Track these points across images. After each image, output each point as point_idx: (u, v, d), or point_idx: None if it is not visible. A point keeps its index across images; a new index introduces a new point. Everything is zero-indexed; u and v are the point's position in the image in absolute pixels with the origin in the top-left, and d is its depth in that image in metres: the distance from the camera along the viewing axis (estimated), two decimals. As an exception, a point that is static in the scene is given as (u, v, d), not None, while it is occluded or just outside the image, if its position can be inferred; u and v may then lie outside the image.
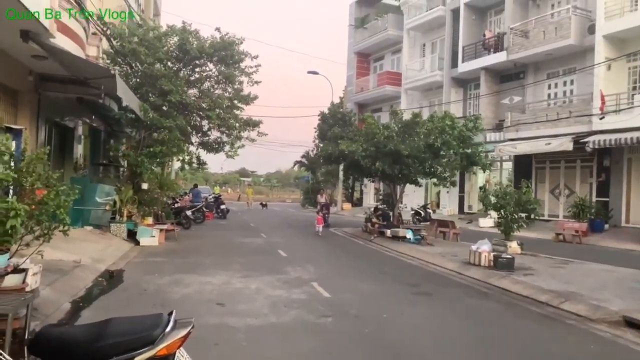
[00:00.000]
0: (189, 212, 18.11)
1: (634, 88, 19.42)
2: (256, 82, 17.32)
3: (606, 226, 18.86)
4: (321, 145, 19.73)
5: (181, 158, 17.39)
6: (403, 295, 8.36)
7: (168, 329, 2.85)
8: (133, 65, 15.65)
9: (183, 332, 2.91)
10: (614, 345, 5.85)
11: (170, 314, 2.95)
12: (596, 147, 18.68)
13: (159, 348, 2.79)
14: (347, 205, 35.27)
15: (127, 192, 13.95)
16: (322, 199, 21.63)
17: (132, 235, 13.57)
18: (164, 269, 9.77)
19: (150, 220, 14.47)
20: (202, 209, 20.37)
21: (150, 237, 13.40)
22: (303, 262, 11.36)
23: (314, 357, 5.16)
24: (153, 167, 15.34)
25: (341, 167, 22.63)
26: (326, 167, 32.65)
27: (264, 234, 17.79)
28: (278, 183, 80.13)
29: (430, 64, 29.42)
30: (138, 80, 15.69)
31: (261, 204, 37.56)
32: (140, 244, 13.11)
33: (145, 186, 14.66)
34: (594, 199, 20.21)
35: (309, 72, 33.39)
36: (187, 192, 23.90)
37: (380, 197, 23.51)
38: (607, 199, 19.77)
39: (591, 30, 20.10)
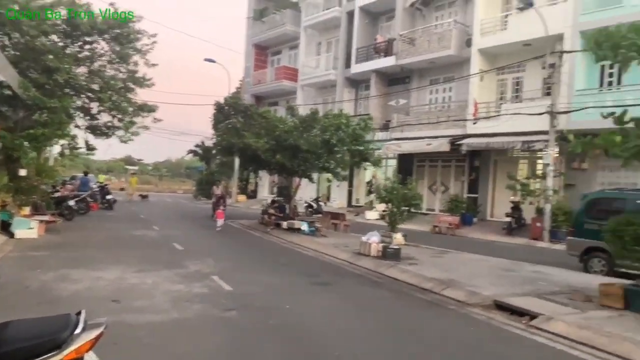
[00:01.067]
0: (71, 202, 16.79)
1: (501, 98, 21.94)
2: (153, 65, 16.56)
3: (475, 219, 21.14)
4: (217, 135, 19.40)
5: (64, 142, 16.05)
6: (303, 286, 8.72)
7: (77, 330, 2.67)
8: (11, 35, 14.06)
9: (94, 334, 2.74)
10: (488, 326, 6.70)
11: (78, 314, 2.77)
12: (469, 149, 20.86)
13: (67, 352, 2.59)
14: (242, 197, 35.06)
15: (1, 179, 12.61)
16: (217, 191, 21.31)
17: (6, 227, 12.33)
18: (48, 264, 9.12)
19: (28, 210, 13.24)
20: (87, 199, 18.98)
21: (28, 229, 12.30)
22: (201, 255, 11.25)
23: (222, 351, 5.19)
24: (32, 152, 14.01)
25: (237, 158, 22.57)
26: (221, 158, 32.05)
27: (156, 226, 17.15)
28: (168, 173, 76.70)
29: (326, 62, 30.29)
30: (18, 53, 14.13)
31: (141, 195, 34.65)
32: (16, 237, 11.99)
33: (23, 172, 13.31)
34: (465, 195, 22.51)
35: (206, 60, 32.49)
36: (69, 179, 22.07)
37: (276, 189, 23.86)
38: (476, 195, 22.16)
39: (468, 43, 22.25)
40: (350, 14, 28.08)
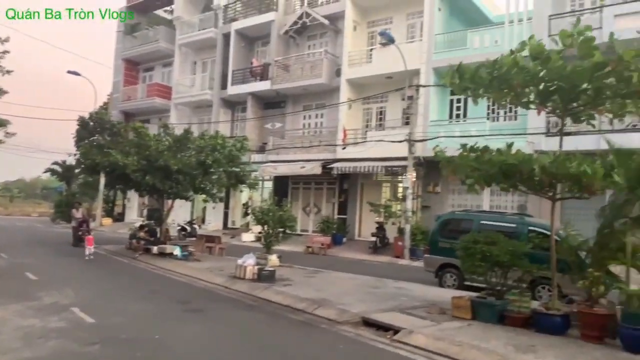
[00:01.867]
0: None
1: (367, 126, 23.60)
2: (8, 72, 14.87)
3: (344, 239, 22.20)
4: (81, 152, 18.06)
5: None
6: (174, 314, 8.46)
7: None
8: None
9: None
10: (356, 343, 7.11)
11: None
12: (339, 172, 22.00)
13: None
14: (108, 221, 32.59)
15: None
16: (78, 214, 19.60)
17: None
18: None
19: None
20: None
21: None
22: (59, 285, 10.33)
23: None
24: None
25: (102, 178, 21.14)
26: (85, 178, 29.62)
27: (4, 254, 15.27)
28: (20, 194, 68.45)
29: (201, 82, 29.88)
30: None
31: None
32: None
33: None
34: (336, 216, 23.58)
35: (69, 72, 30.01)
36: None
37: (146, 211, 22.68)
38: (345, 217, 23.33)
39: (338, 73, 23.63)
40: (227, 36, 28.14)
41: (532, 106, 8.33)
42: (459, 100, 20.37)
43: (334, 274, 13.40)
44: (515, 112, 18.40)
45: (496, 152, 7.99)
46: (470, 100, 8.54)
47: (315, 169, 22.48)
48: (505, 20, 19.22)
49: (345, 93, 22.94)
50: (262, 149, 25.72)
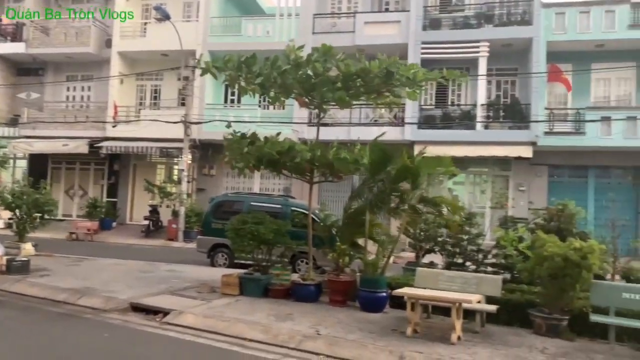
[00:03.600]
0: None
1: (141, 104, 22.56)
2: None
3: (114, 224, 20.97)
4: None
5: None
6: None
7: None
8: None
9: None
10: (123, 329, 7.04)
11: None
12: (108, 152, 20.61)
13: None
14: None
15: None
16: None
17: None
18: None
19: None
20: None
21: None
22: None
23: None
24: None
25: None
26: None
27: None
28: None
29: None
30: None
31: None
32: None
33: None
34: (105, 199, 22.04)
35: None
36: None
37: None
38: (115, 200, 22.05)
39: (108, 44, 21.87)
40: (-37, -18, 23.19)
41: (292, 97, 9.47)
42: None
43: (102, 261, 12.72)
44: (283, 102, 19.98)
45: (264, 141, 8.79)
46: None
47: (81, 147, 20.66)
48: (277, 13, 20.57)
49: (116, 66, 21.47)
50: (14, 122, 22.37)
